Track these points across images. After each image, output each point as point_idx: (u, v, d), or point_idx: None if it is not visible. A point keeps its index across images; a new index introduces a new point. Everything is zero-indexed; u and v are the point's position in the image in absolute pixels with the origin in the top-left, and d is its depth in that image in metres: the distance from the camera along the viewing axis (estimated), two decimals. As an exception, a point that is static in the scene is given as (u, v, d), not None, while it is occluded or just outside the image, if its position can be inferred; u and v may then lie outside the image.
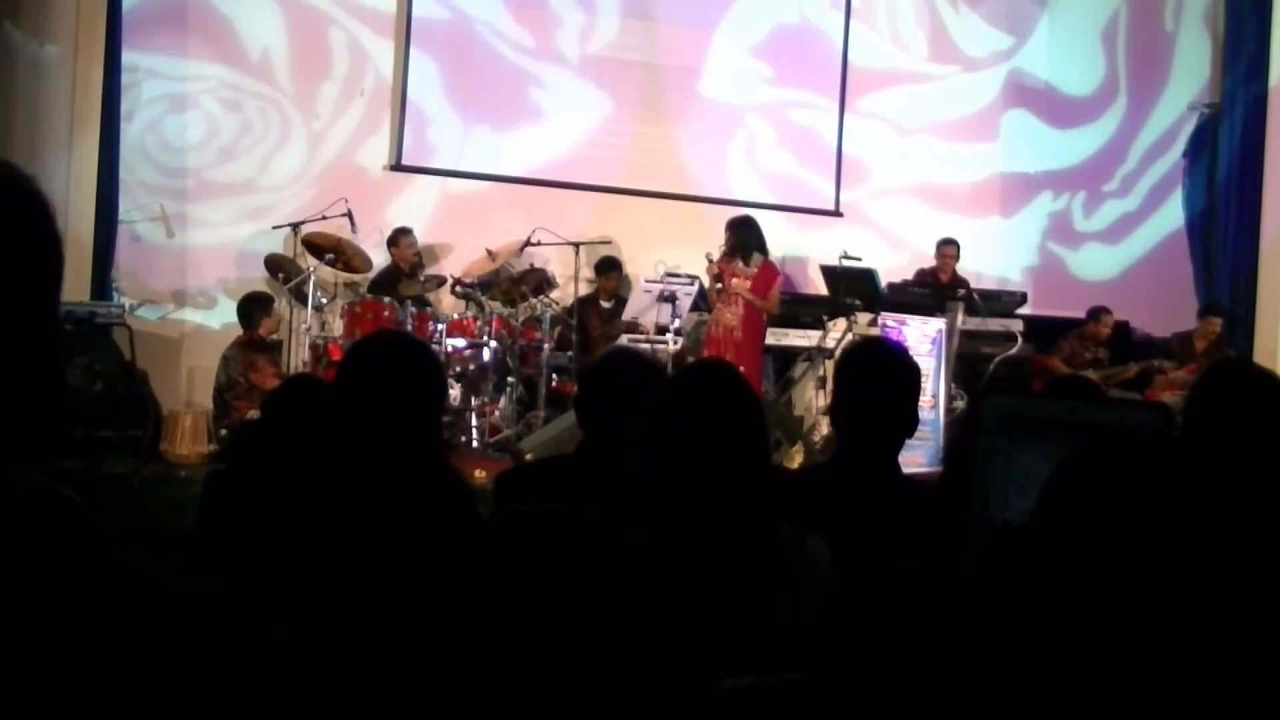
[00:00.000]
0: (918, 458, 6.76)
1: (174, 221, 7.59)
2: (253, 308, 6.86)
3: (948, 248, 8.14)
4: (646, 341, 6.91)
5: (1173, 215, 9.44)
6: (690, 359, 6.88)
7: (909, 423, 2.20)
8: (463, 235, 7.95)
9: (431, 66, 8.08)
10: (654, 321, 7.03)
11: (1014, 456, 1.12)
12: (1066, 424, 1.12)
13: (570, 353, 7.26)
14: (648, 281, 7.11)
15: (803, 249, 8.77)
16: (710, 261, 6.84)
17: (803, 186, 8.82)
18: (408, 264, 7.52)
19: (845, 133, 8.84)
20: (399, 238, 7.57)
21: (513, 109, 8.18)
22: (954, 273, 8.18)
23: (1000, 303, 7.90)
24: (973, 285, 8.06)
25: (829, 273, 7.82)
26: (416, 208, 7.89)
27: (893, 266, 8.06)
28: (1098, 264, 9.37)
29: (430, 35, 8.05)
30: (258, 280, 7.46)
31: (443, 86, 8.09)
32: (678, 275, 7.45)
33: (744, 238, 6.76)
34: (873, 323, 7.42)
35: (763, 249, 6.89)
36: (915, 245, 8.83)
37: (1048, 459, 1.02)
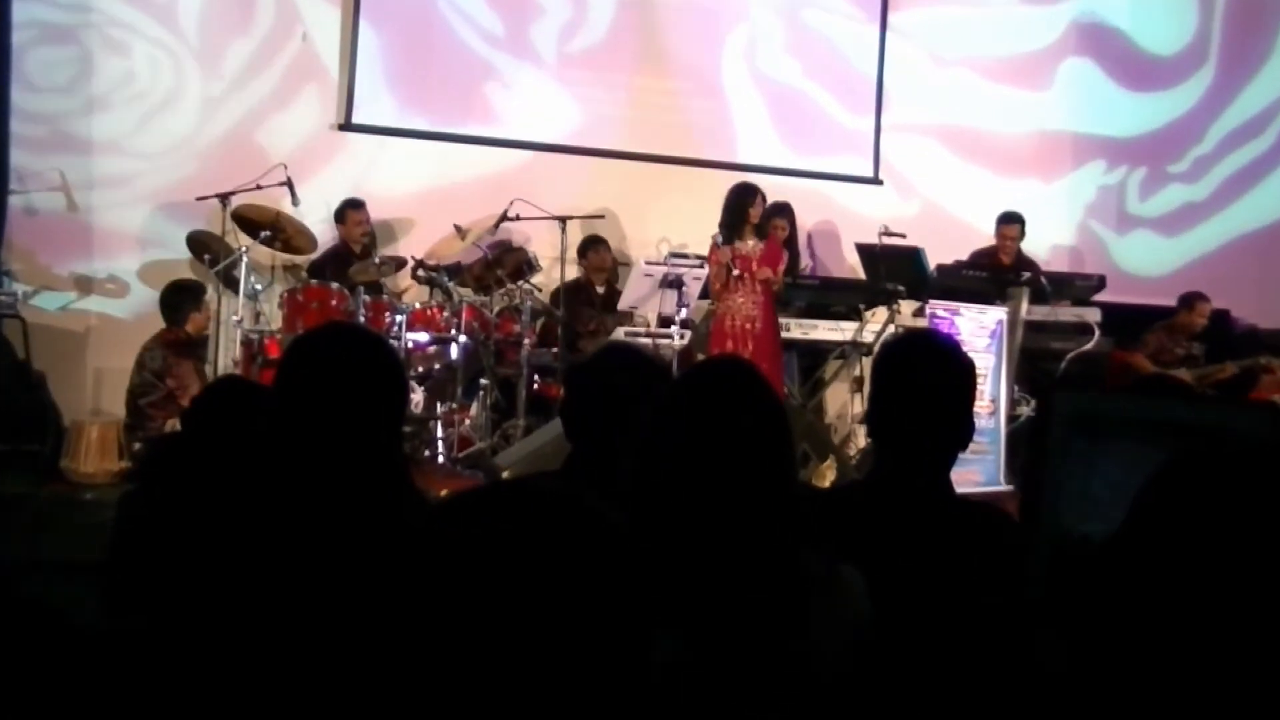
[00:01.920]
0: (974, 474, 6.75)
1: (77, 191, 7.52)
2: (180, 299, 6.83)
3: (1009, 226, 8.10)
4: (647, 336, 6.93)
5: (1268, 198, 9.38)
6: (699, 356, 6.93)
7: (963, 432, 2.21)
8: (426, 209, 7.98)
9: (374, 42, 8.08)
10: (656, 312, 7.02)
11: (1095, 463, 1.11)
12: (1157, 426, 1.10)
13: (555, 349, 7.26)
14: (648, 264, 7.11)
15: (833, 220, 8.83)
16: (720, 246, 6.90)
17: (835, 141, 8.85)
18: (359, 243, 7.52)
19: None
20: (348, 212, 7.58)
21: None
22: (1019, 254, 8.18)
23: (1073, 287, 7.88)
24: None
25: (866, 252, 7.83)
26: (342, 187, 7.84)
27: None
28: (1146, 256, 9.34)
29: (380, 5, 8.03)
30: (179, 264, 7.44)
31: (384, 66, 8.09)
32: (684, 256, 7.44)
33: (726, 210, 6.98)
34: (919, 312, 7.45)
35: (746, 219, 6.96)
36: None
37: (1135, 467, 1.00)
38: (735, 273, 6.87)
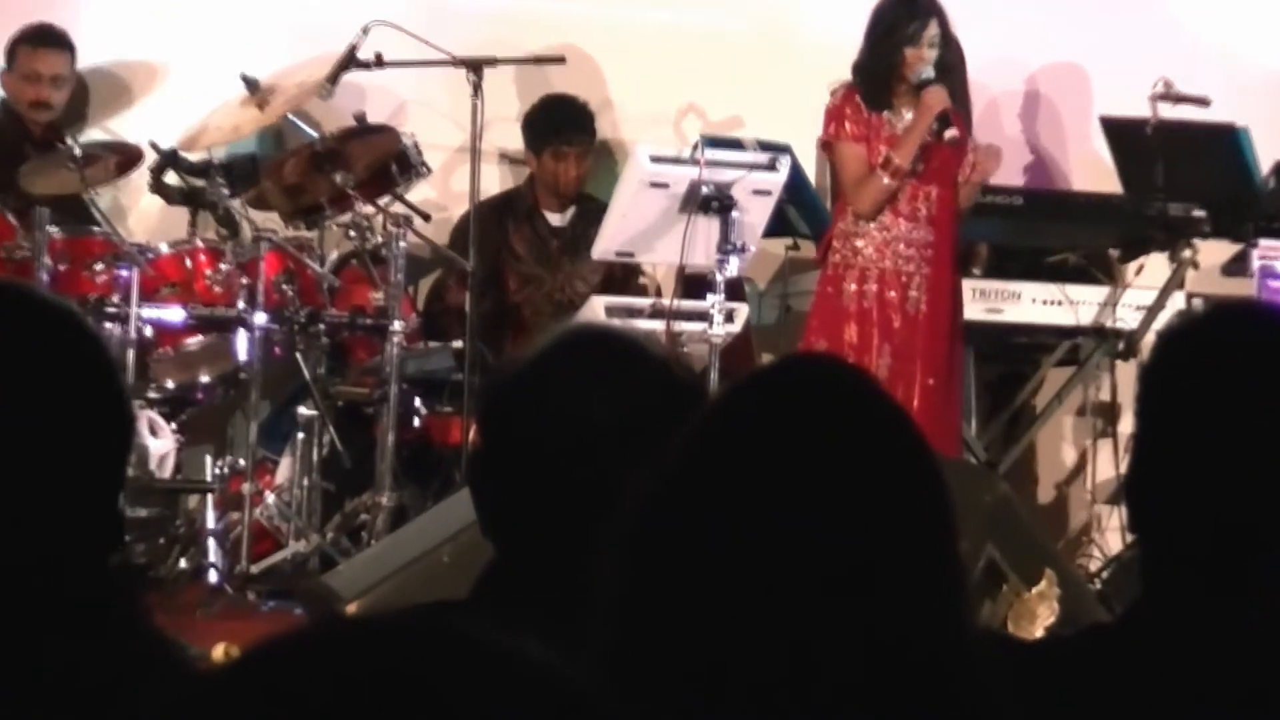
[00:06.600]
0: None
1: None
2: None
3: None
4: (654, 315, 7.27)
5: None
6: (763, 359, 7.30)
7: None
8: (183, 45, 8.41)
9: None
10: (676, 264, 7.29)
11: None
12: None
13: (457, 344, 7.42)
14: (657, 161, 7.34)
15: (1049, 77, 9.32)
16: (865, 110, 7.17)
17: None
18: (42, 116, 7.90)
19: None
20: (23, 51, 8.01)
21: None
22: None
23: None
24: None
25: (1124, 135, 8.10)
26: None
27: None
28: None
29: None
30: None
31: None
32: (737, 145, 7.75)
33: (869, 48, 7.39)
34: (1237, 263, 7.70)
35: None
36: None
37: None
38: (888, 178, 7.04)
